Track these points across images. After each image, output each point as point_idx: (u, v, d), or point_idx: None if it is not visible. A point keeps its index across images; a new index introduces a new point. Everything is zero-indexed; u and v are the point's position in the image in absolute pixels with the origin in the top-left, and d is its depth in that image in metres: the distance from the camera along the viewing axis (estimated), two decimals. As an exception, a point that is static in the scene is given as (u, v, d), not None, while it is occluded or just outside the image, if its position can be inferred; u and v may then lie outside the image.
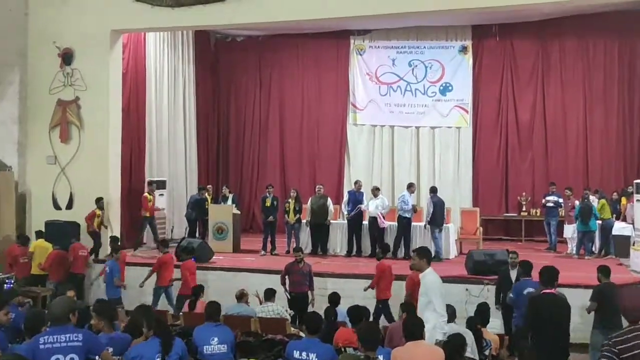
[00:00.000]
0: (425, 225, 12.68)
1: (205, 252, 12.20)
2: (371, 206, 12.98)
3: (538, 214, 15.32)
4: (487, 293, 9.98)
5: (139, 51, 14.65)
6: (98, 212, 12.54)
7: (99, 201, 12.50)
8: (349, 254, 13.09)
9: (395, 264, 11.19)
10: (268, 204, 13.39)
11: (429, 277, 6.41)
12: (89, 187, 12.72)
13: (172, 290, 10.47)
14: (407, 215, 12.70)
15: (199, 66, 16.98)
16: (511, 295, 8.32)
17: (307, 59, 17.31)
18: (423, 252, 6.64)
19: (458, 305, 8.42)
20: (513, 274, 8.91)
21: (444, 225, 12.81)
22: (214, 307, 6.27)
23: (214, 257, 12.39)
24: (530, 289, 7.77)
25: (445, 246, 12.79)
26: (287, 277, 9.80)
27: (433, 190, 13.05)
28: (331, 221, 13.39)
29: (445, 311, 6.31)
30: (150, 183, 13.98)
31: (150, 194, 13.66)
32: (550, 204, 13.97)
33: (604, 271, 8.01)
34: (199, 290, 8.95)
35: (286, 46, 17.23)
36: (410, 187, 13.21)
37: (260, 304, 8.80)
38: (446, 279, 9.89)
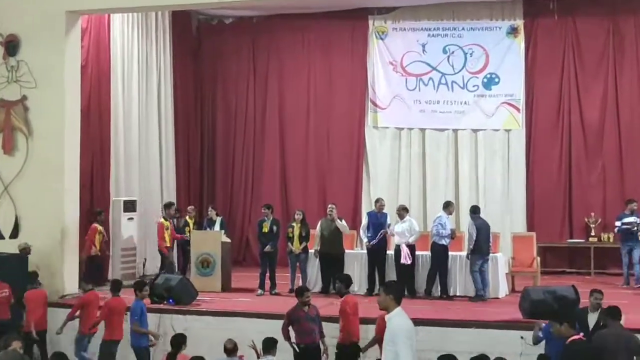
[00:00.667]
0: (467, 256, 12.60)
1: (186, 292, 12.14)
2: (397, 230, 12.95)
3: (611, 240, 15.30)
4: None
5: (102, 37, 14.75)
6: (99, 227, 12.67)
7: (99, 214, 12.82)
8: (369, 292, 12.97)
9: (431, 305, 11.15)
10: (266, 229, 13.37)
11: (395, 320, 6.42)
12: (39, 210, 12.72)
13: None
14: (443, 242, 12.67)
15: (177, 56, 17.07)
16: None
17: (314, 45, 17.41)
18: (391, 286, 6.74)
19: (510, 357, 8.29)
20: (592, 318, 8.77)
21: (490, 254, 12.73)
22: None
23: (197, 298, 12.33)
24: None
25: (492, 282, 12.71)
26: (290, 327, 9.73)
27: (474, 210, 13.00)
28: (347, 251, 13.38)
29: None
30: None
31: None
32: (627, 226, 13.90)
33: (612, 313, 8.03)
34: (180, 340, 8.90)
35: (287, 29, 17.36)
36: (447, 206, 13.18)
37: (258, 358, 8.73)
38: (494, 325, 10.02)
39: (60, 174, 12.92)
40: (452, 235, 12.80)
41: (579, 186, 16.05)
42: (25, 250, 12.31)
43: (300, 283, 12.71)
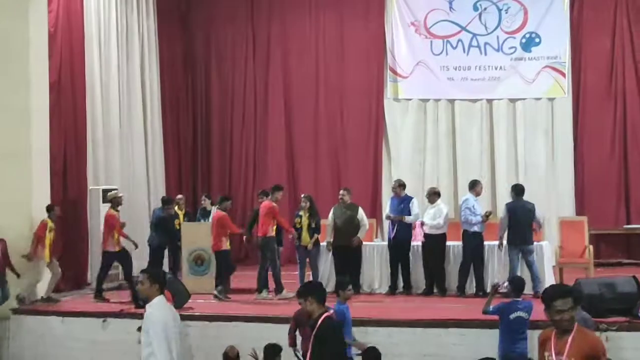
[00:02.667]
0: (499, 246, 12.42)
1: (177, 294, 11.82)
2: (425, 218, 12.88)
3: None
4: (606, 344, 9.41)
5: (74, 0, 14.53)
6: (50, 222, 12.54)
7: (50, 210, 12.57)
8: (392, 290, 12.90)
9: (464, 304, 11.03)
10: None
11: (152, 311, 6.69)
12: (3, 199, 12.54)
13: None
14: (476, 229, 12.46)
15: (163, 21, 17.10)
16: None
17: (323, 3, 17.48)
18: (156, 275, 6.92)
19: None
20: None
21: (536, 243, 12.48)
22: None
23: (190, 301, 12.13)
24: None
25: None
26: (297, 330, 9.47)
27: (515, 190, 12.65)
28: (365, 243, 13.22)
29: (167, 355, 6.53)
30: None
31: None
32: None
33: None
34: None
35: None
36: (474, 186, 12.93)
37: None
38: (538, 325, 9.73)
39: (27, 156, 12.84)
40: (486, 217, 12.55)
41: (636, 163, 16.00)
42: None
43: (311, 281, 12.56)
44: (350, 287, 9.40)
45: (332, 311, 6.83)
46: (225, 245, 12.80)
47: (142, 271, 7.27)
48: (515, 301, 9.13)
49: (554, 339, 5.49)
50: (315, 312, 6.75)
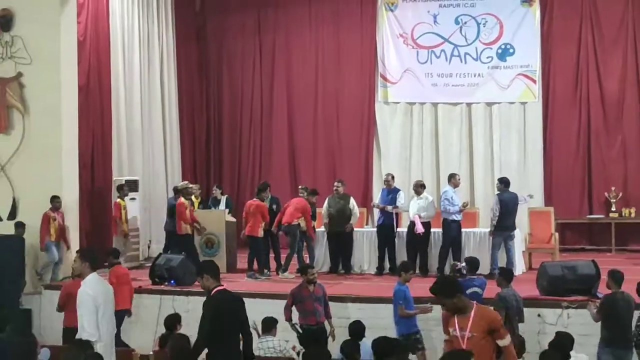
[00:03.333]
0: (490, 232, 12.34)
1: (188, 273, 11.85)
2: (412, 208, 12.78)
3: (633, 215, 15.13)
4: (567, 320, 9.71)
5: (101, 12, 14.50)
6: (122, 202, 12.88)
7: (54, 200, 12.47)
8: (379, 271, 12.83)
9: None
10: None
11: (84, 288, 6.81)
12: (36, 190, 12.59)
13: None
14: (455, 217, 12.41)
15: (181, 32, 17.01)
16: None
17: (322, 18, 17.25)
18: (86, 253, 7.08)
19: (528, 336, 8.24)
20: None
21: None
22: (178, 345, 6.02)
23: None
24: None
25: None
26: (293, 307, 9.50)
27: (505, 182, 12.65)
28: (356, 229, 13.18)
29: (95, 330, 6.70)
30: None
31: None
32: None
33: (614, 277, 8.49)
34: (174, 320, 8.55)
35: (294, 3, 17.30)
36: (452, 178, 12.97)
37: (259, 337, 8.59)
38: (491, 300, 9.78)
39: (58, 153, 12.87)
40: (462, 208, 12.53)
41: (598, 160, 15.80)
42: (19, 230, 12.27)
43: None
44: (411, 270, 9.82)
45: (224, 285, 6.88)
46: (261, 232, 12.67)
47: (77, 251, 7.29)
48: (471, 278, 9.35)
49: (456, 316, 5.66)
50: (211, 286, 6.69)
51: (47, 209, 12.46)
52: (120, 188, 13.80)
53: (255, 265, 12.78)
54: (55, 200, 12.56)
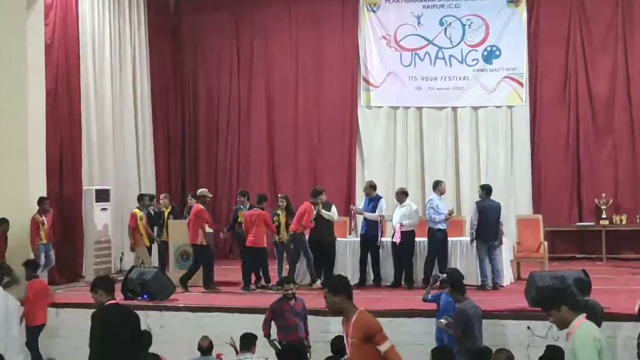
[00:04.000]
0: (471, 242, 12.33)
1: (162, 287, 11.78)
2: (395, 216, 12.75)
3: (624, 222, 15.17)
4: (557, 332, 9.28)
5: (70, 13, 14.41)
6: (139, 212, 13.11)
7: (42, 202, 12.47)
8: (361, 282, 12.73)
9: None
10: (242, 218, 12.97)
11: None
12: (2, 197, 12.44)
13: None
14: (441, 226, 12.38)
15: (153, 33, 16.97)
16: None
17: (302, 19, 17.31)
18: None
19: (516, 350, 8.14)
20: None
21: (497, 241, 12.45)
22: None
23: (176, 293, 12.03)
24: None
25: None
26: (274, 322, 9.37)
27: (486, 190, 12.61)
28: (339, 239, 13.08)
29: None
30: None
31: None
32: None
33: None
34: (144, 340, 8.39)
35: (272, 3, 17.33)
36: (437, 186, 12.93)
37: (237, 354, 8.52)
38: (498, 315, 9.98)
39: (24, 160, 12.73)
40: (448, 216, 12.51)
41: (588, 165, 15.89)
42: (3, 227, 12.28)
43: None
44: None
45: (118, 299, 7.18)
46: (264, 242, 12.63)
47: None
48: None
49: (345, 323, 5.76)
50: (104, 301, 6.94)
51: (35, 213, 12.47)
52: (140, 198, 13.98)
53: (253, 278, 12.74)
54: (43, 202, 12.55)
